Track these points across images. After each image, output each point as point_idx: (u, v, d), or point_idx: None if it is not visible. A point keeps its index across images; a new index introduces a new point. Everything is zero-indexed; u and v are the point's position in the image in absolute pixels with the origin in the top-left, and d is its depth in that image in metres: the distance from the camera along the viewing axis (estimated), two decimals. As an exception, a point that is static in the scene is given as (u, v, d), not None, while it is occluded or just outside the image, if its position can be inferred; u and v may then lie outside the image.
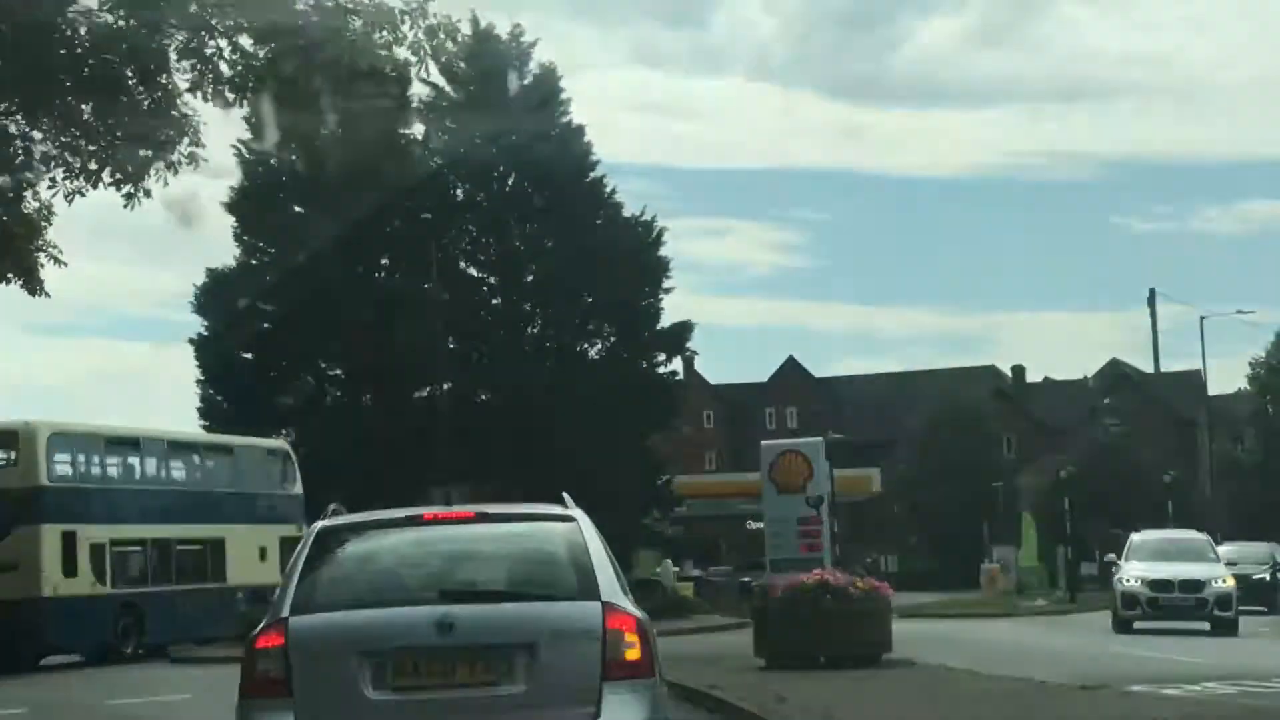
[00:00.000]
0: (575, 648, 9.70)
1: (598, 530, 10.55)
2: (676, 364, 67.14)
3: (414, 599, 9.94)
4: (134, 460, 43.56)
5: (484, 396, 62.84)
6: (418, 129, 64.59)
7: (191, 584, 42.83)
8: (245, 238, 63.66)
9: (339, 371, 64.48)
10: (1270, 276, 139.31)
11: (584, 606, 9.82)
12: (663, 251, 65.60)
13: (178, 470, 44.94)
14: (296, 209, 62.71)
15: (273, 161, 62.45)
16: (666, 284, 65.16)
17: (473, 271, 65.37)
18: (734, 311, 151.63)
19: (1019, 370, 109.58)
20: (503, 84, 63.80)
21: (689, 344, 66.44)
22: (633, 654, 9.77)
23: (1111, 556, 44.27)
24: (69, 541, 39.04)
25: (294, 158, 61.78)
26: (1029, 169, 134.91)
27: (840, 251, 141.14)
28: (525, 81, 64.63)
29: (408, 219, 61.49)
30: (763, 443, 63.23)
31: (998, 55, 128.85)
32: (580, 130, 64.48)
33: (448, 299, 59.88)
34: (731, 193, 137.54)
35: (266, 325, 63.21)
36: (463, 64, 62.63)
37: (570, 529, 10.43)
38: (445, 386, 58.20)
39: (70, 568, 38.99)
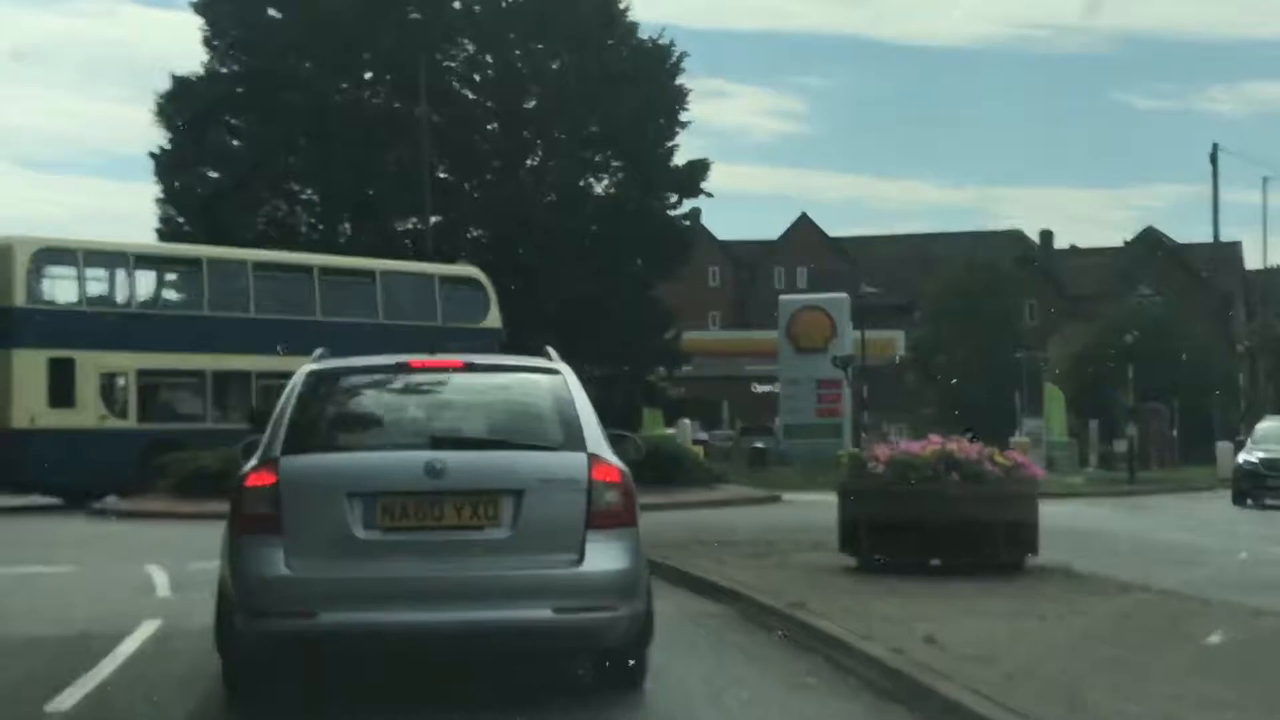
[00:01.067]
0: (561, 496, 9.80)
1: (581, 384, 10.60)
2: (688, 207, 58.84)
3: (404, 443, 10.13)
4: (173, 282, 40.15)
5: (475, 232, 55.29)
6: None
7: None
8: (214, 42, 55.64)
9: (313, 196, 55.89)
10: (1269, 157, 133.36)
11: (570, 457, 9.93)
12: (680, 80, 57.22)
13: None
14: (271, 12, 54.66)
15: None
16: (683, 117, 57.33)
17: (467, 93, 57.35)
18: (735, 177, 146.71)
19: (1046, 235, 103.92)
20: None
21: (704, 185, 57.97)
22: (615, 504, 9.89)
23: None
24: (60, 369, 34.83)
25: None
26: (1036, 41, 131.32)
27: (844, 121, 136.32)
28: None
29: (396, 30, 53.10)
30: (781, 297, 58.22)
31: None
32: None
33: (438, 122, 52.41)
34: (730, 55, 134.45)
35: (235, 141, 55.41)
36: None
37: (556, 381, 10.61)
38: (432, 220, 50.61)
39: (61, 398, 34.73)
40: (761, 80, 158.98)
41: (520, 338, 51.80)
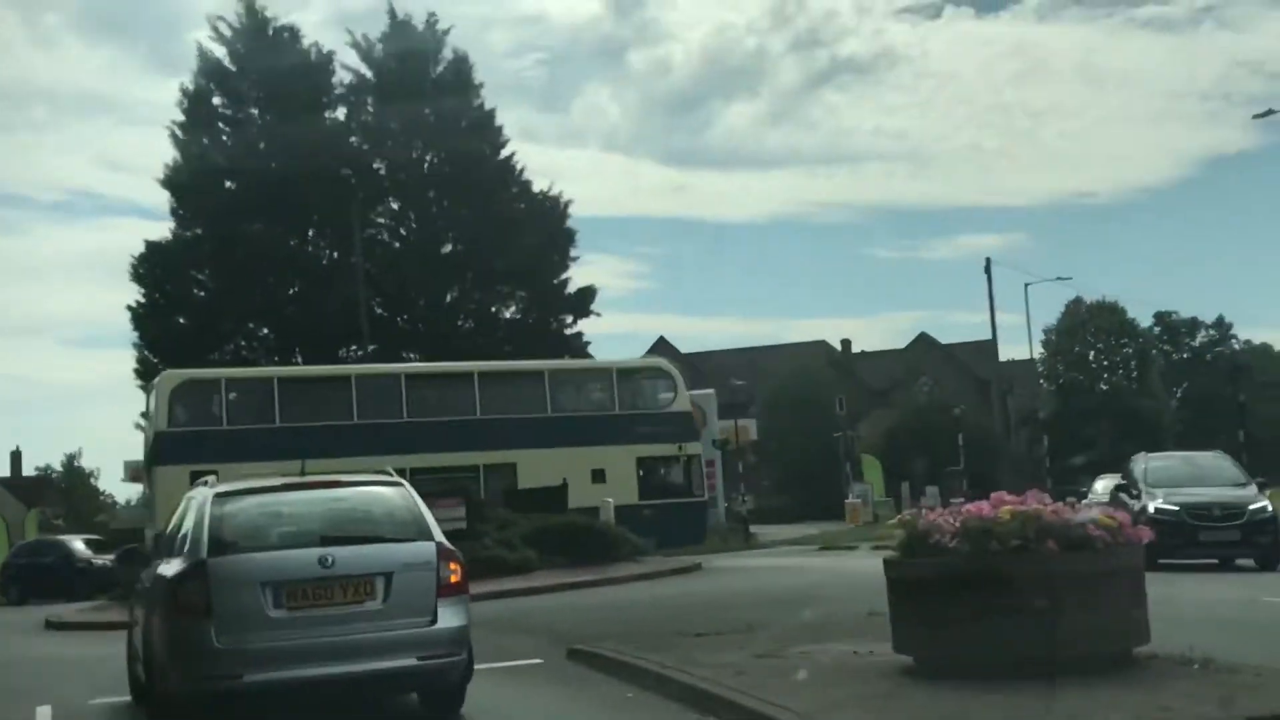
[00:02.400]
0: (419, 574, 10.02)
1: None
2: (581, 325, 51.94)
3: (301, 543, 10.08)
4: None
5: (409, 356, 47.85)
6: (340, 112, 49.35)
7: None
8: (180, 212, 47.94)
9: (269, 333, 48.44)
10: (974, 287, 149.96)
11: (423, 545, 10.17)
12: (568, 224, 50.58)
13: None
14: (228, 185, 47.36)
15: (205, 141, 47.62)
16: (573, 252, 50.71)
17: (395, 242, 50.22)
18: (601, 322, 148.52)
19: (846, 343, 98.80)
20: (419, 69, 49.05)
21: (592, 307, 51.11)
22: (455, 578, 10.18)
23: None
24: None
25: (225, 138, 47.91)
26: (807, 214, 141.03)
27: (674, 277, 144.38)
28: (440, 68, 49.64)
29: (333, 195, 46.06)
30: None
31: (782, 132, 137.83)
32: (491, 114, 50.21)
33: (370, 267, 45.66)
34: (592, 235, 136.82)
35: (200, 293, 47.85)
36: (380, 48, 48.75)
37: (402, 491, 10.84)
38: (370, 348, 43.32)
39: None
40: (615, 250, 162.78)
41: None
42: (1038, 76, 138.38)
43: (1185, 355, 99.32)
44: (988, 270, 59.83)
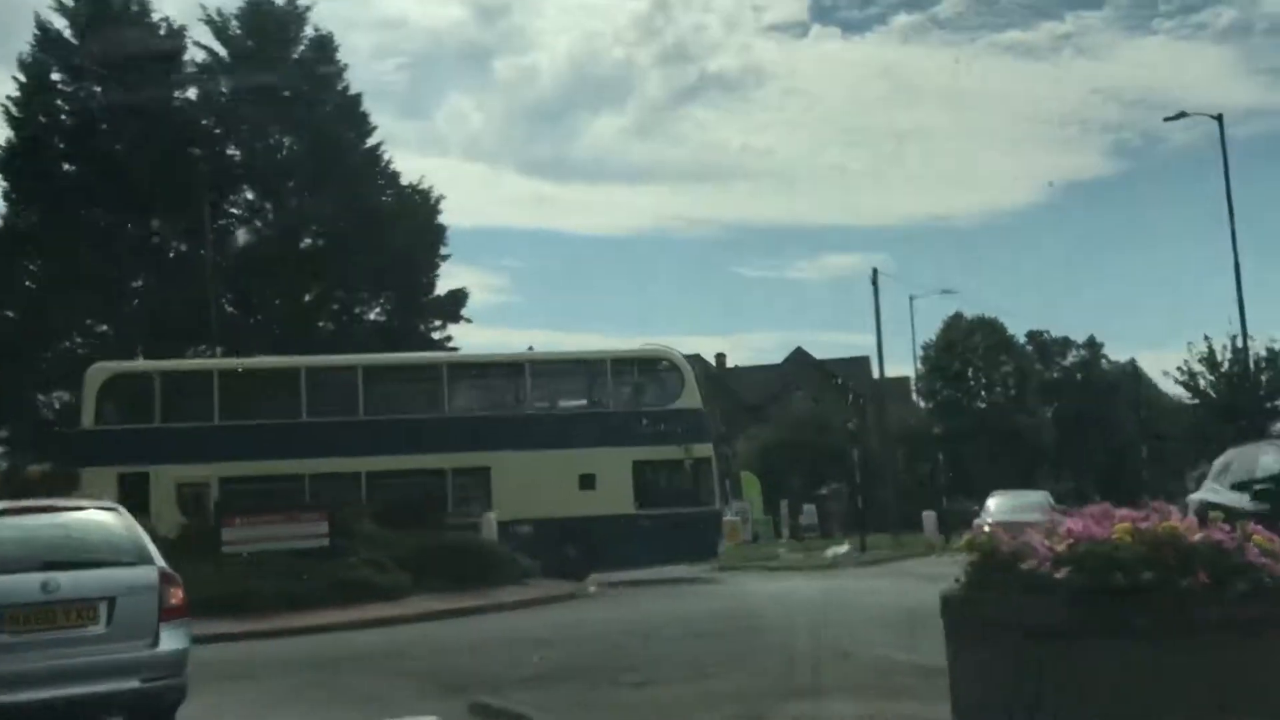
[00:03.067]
0: (141, 598, 9.99)
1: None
2: (452, 331, 48.58)
3: (23, 567, 9.85)
4: None
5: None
6: (192, 92, 45.35)
7: None
8: (13, 197, 43.96)
9: (108, 330, 44.12)
10: (840, 307, 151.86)
11: (144, 570, 10.20)
12: (439, 220, 47.22)
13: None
14: (67, 168, 43.22)
15: (42, 119, 43.48)
16: (444, 250, 47.27)
17: (248, 236, 46.19)
18: (463, 334, 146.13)
19: (720, 357, 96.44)
20: (278, 48, 45.43)
21: (462, 312, 47.79)
22: (176, 601, 10.20)
23: None
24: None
25: (65, 118, 43.80)
26: (674, 230, 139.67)
27: (538, 291, 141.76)
28: (301, 47, 45.93)
29: (182, 182, 42.18)
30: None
31: (649, 145, 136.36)
32: (357, 99, 46.56)
33: (221, 263, 41.50)
34: (454, 246, 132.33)
35: (32, 286, 43.67)
36: (236, 25, 45.02)
37: (121, 516, 10.94)
38: (218, 349, 39.63)
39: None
40: (475, 262, 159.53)
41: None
42: (903, 98, 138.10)
43: (1055, 374, 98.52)
44: (874, 281, 57.73)
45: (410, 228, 47.57)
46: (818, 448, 70.61)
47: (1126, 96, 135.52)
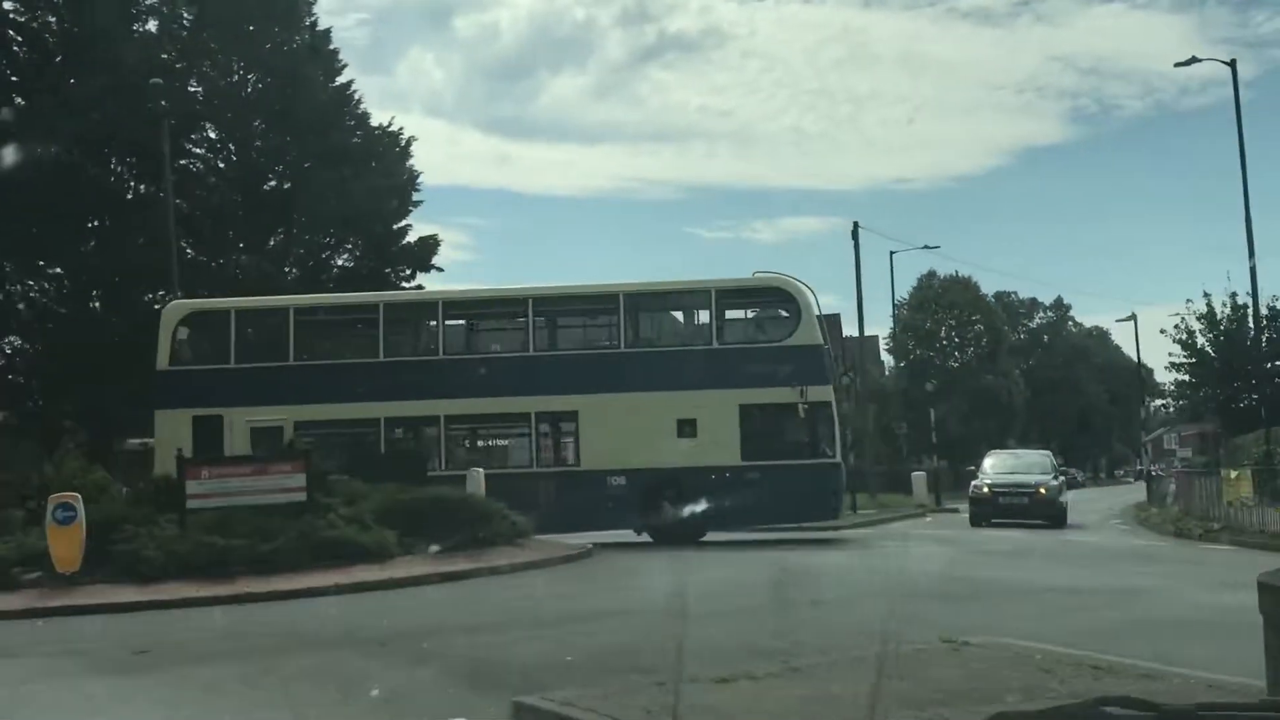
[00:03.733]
0: None
1: None
2: (422, 280, 46.20)
3: None
4: None
5: (224, 304, 41.76)
6: (152, 24, 42.63)
7: None
8: (-41, 129, 40.75)
9: (62, 275, 41.44)
10: (799, 270, 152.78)
11: None
12: (411, 164, 44.78)
13: None
14: (19, 102, 40.51)
15: (-9, 47, 40.90)
16: (416, 196, 44.94)
17: (211, 177, 43.55)
18: (440, 281, 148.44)
19: None
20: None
21: (434, 261, 45.48)
22: None
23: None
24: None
25: (17, 49, 41.04)
26: (631, 191, 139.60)
27: (498, 249, 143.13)
28: (268, -20, 43.30)
29: (141, 118, 39.42)
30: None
31: (608, 106, 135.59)
32: (326, 34, 43.99)
33: (182, 205, 38.97)
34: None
35: (-16, 224, 40.99)
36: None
37: None
38: (179, 295, 37.12)
39: None
40: (436, 220, 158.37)
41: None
42: (861, 62, 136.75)
43: (1022, 336, 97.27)
44: (855, 235, 55.65)
45: (379, 171, 45.19)
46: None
47: (1083, 64, 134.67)
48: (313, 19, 45.54)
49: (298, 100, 43.91)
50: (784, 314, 28.25)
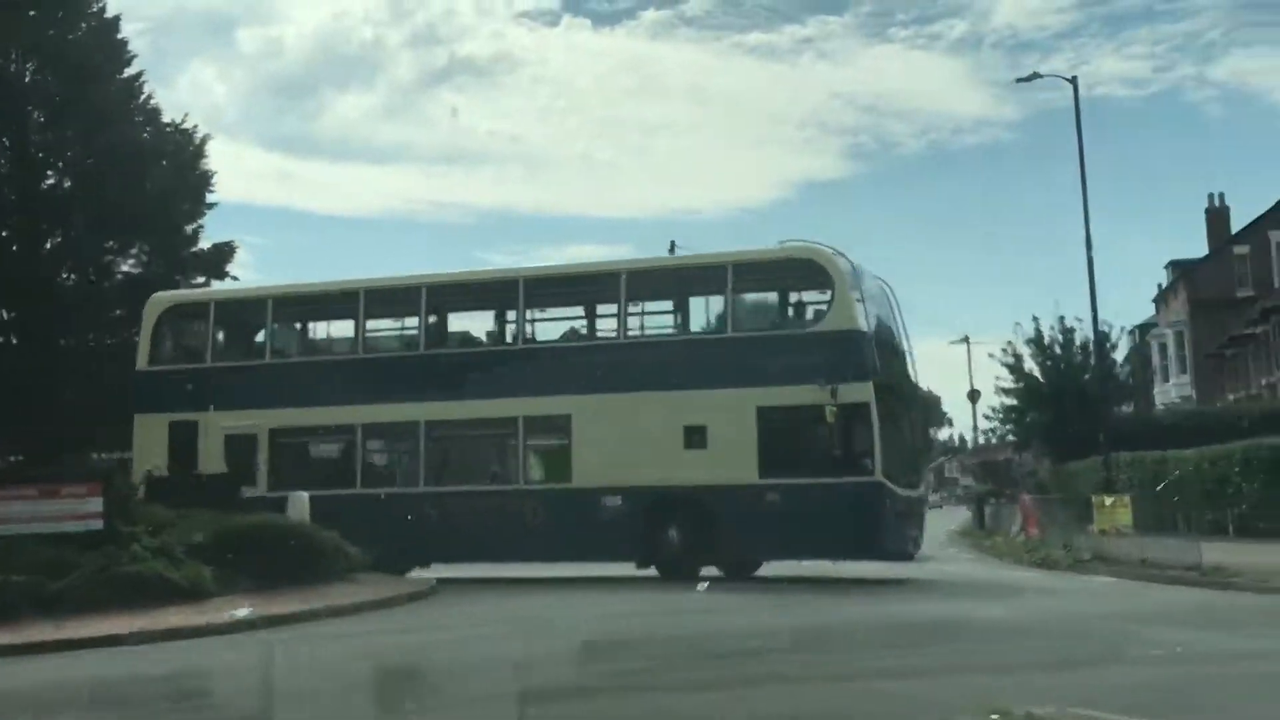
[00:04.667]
0: None
1: None
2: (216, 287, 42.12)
3: None
4: None
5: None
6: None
7: None
8: None
9: None
10: None
11: None
12: (205, 165, 40.88)
13: None
14: None
15: None
16: (210, 199, 41.08)
17: (-20, 173, 39.14)
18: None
19: None
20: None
21: (229, 267, 41.62)
22: None
23: None
24: None
25: None
26: (421, 213, 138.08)
27: (282, 270, 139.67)
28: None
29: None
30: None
31: (397, 126, 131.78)
32: (114, 22, 39.75)
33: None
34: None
35: None
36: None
37: None
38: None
39: None
40: (215, 238, 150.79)
41: (39, 424, 35.47)
42: (651, 93, 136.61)
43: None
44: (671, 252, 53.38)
45: (170, 170, 41.11)
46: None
47: (862, 101, 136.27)
48: (101, 5, 41.19)
49: (81, 91, 39.61)
50: (815, 293, 23.21)
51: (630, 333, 23.62)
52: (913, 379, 24.97)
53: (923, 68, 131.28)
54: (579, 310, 25.24)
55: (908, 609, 17.30)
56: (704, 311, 24.32)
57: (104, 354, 38.87)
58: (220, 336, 25.76)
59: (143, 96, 41.95)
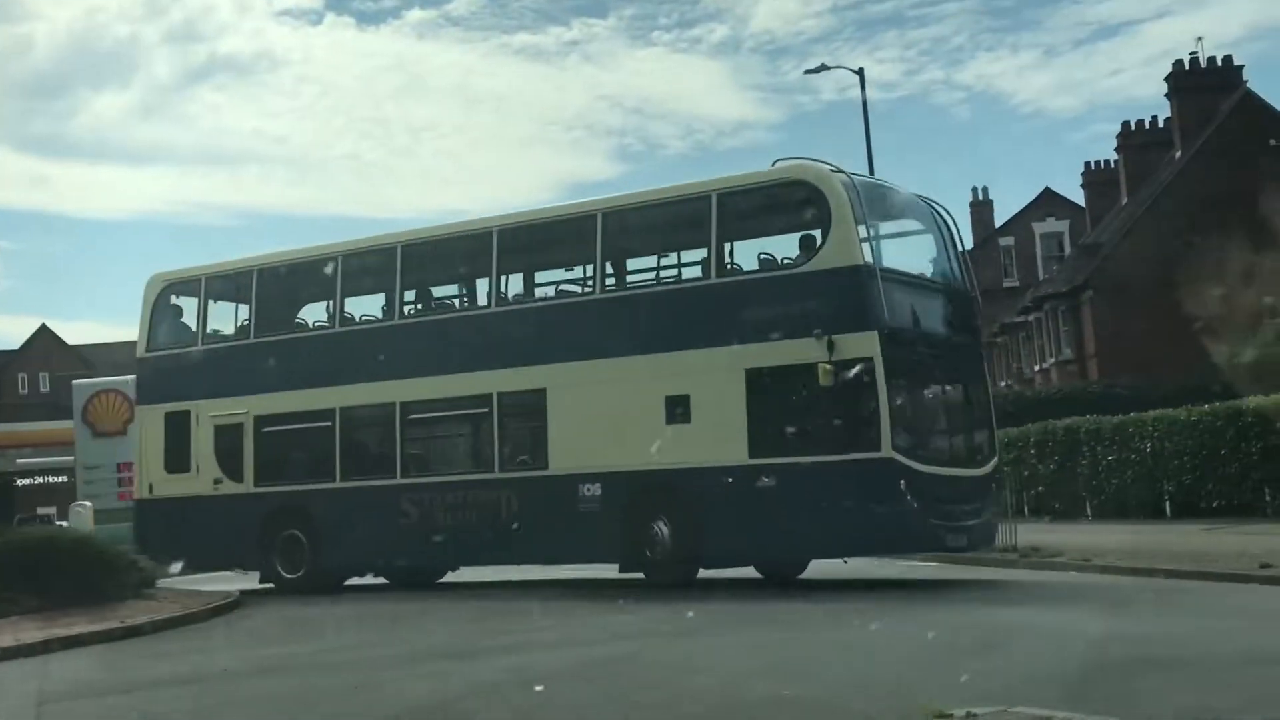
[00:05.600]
0: None
1: None
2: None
3: None
4: None
5: None
6: None
7: None
8: None
9: None
10: None
11: None
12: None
13: None
14: None
15: None
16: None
17: None
18: None
19: None
20: None
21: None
22: None
23: None
24: None
25: None
26: (184, 215, 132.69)
27: (37, 275, 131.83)
28: None
29: None
30: (74, 382, 40.13)
31: (155, 126, 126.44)
32: None
33: None
34: None
35: None
36: None
37: None
38: None
39: None
40: None
41: None
42: (417, 93, 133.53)
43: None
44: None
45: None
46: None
47: (628, 103, 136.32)
48: None
49: None
50: (808, 221, 17.92)
51: (608, 286, 19.42)
52: (976, 329, 20.46)
53: (685, 71, 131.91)
54: (557, 264, 21.21)
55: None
56: (687, 255, 19.67)
57: None
58: (210, 316, 23.05)
59: None
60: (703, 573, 18.00)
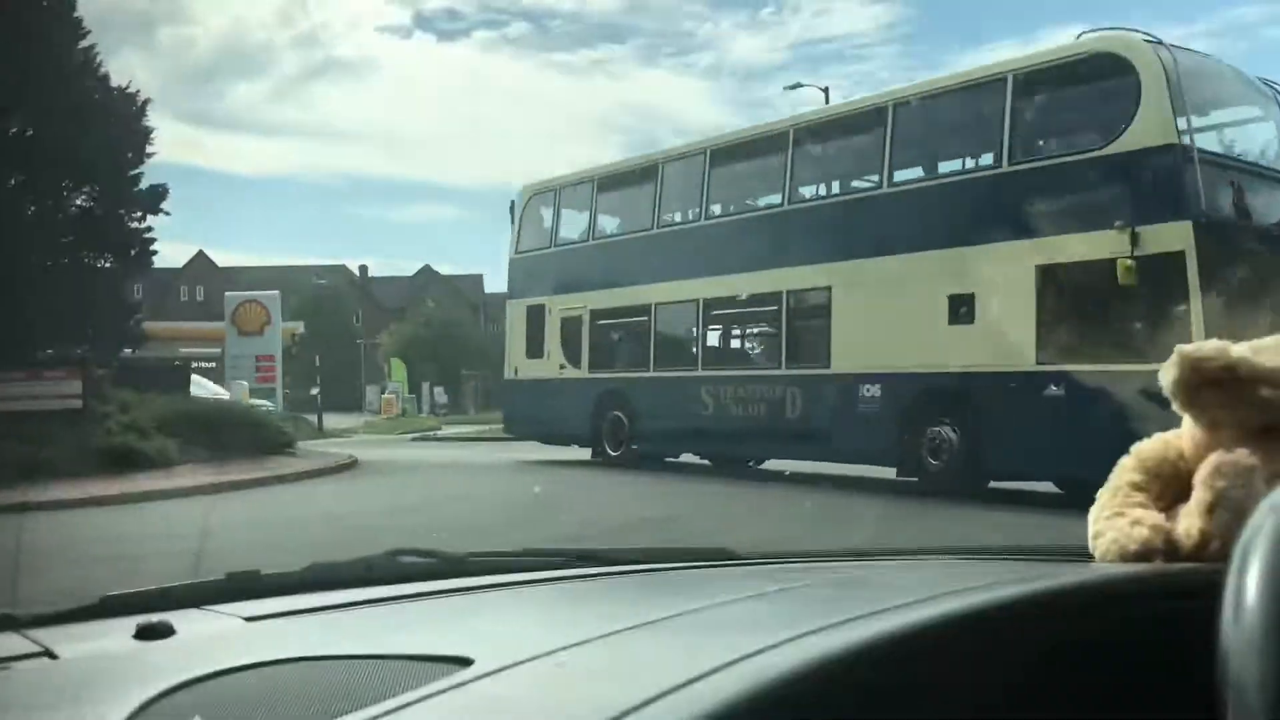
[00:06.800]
0: None
1: None
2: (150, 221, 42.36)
3: None
4: None
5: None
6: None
7: None
8: None
9: None
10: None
11: None
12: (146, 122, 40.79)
13: None
14: None
15: None
16: (150, 149, 41.05)
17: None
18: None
19: (364, 268, 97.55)
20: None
21: (164, 205, 41.68)
22: None
23: None
24: None
25: None
26: (302, 177, 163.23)
27: (194, 215, 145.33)
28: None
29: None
30: (227, 294, 44.62)
31: (282, 109, 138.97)
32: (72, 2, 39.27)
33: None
34: None
35: None
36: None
37: None
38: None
39: None
40: None
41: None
42: (480, 94, 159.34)
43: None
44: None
45: (117, 124, 41.14)
46: (455, 341, 71.75)
47: (637, 110, 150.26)
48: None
49: (37, 57, 39.40)
50: (1116, 98, 14.05)
51: (896, 180, 16.72)
52: None
53: (680, 87, 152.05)
54: (848, 160, 18.88)
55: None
56: (977, 145, 16.29)
57: (59, 273, 38.97)
58: (560, 221, 22.96)
59: (95, 63, 41.86)
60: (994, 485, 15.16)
